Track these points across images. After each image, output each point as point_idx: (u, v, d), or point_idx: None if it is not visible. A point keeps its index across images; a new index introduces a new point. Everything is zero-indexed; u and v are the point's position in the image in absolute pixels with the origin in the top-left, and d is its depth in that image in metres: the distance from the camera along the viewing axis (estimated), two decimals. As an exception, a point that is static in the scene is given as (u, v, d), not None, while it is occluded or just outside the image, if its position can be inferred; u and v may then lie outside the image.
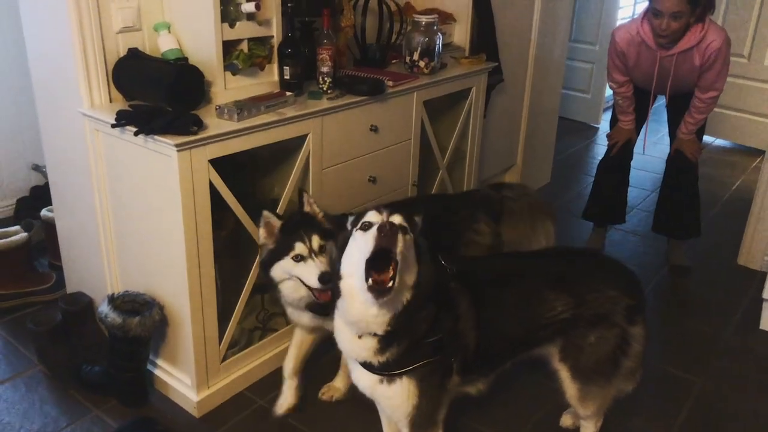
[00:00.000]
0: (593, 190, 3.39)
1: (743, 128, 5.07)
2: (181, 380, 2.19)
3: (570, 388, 1.84)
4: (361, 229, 1.44)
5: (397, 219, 1.45)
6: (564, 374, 1.83)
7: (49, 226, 2.72)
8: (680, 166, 3.09)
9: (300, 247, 1.82)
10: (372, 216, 1.46)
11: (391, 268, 1.38)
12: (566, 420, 2.20)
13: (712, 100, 2.89)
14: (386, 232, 1.37)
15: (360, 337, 1.51)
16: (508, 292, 1.74)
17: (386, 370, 1.55)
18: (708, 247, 3.47)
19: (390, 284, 1.38)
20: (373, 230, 1.38)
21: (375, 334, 1.49)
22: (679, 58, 2.79)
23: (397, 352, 1.52)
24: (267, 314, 2.47)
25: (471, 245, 2.29)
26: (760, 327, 2.80)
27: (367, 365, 1.56)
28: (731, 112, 5.04)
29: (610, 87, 3.11)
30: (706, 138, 5.16)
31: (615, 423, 2.13)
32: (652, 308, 2.95)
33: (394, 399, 1.58)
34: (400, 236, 1.40)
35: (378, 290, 1.39)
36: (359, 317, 1.47)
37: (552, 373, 1.86)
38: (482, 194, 2.54)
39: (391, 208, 1.49)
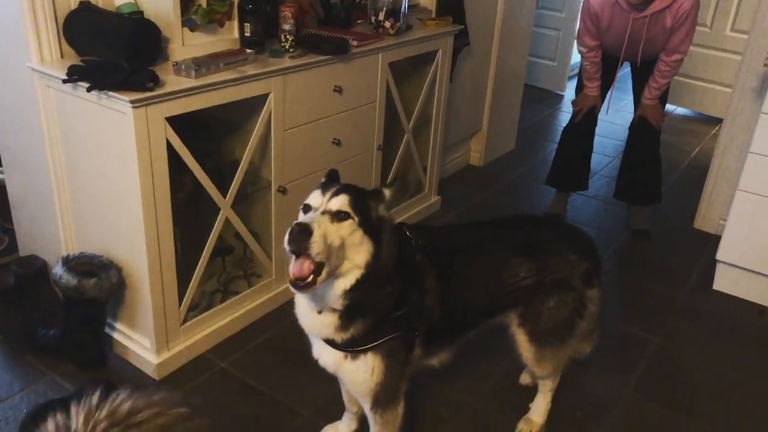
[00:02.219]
0: (556, 156, 3.42)
1: (703, 97, 5.16)
2: (141, 343, 2.16)
3: (526, 351, 1.86)
4: (303, 209, 1.42)
5: (335, 204, 1.38)
6: (521, 338, 1.84)
7: (0, 188, 2.62)
8: (643, 133, 3.13)
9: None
10: (313, 198, 1.41)
11: (308, 264, 1.32)
12: (525, 378, 2.24)
13: (677, 64, 2.92)
14: (294, 236, 1.30)
15: (320, 312, 1.47)
16: (473, 263, 1.72)
17: (351, 347, 1.52)
18: (666, 212, 3.55)
19: (309, 280, 1.33)
20: (294, 225, 1.32)
21: (334, 309, 1.45)
22: (651, 19, 2.80)
23: (363, 327, 1.49)
24: (228, 277, 2.45)
25: None
26: (714, 287, 2.89)
27: (329, 342, 1.54)
28: (692, 80, 5.12)
29: (580, 51, 3.11)
30: (668, 106, 5.23)
31: (572, 379, 2.18)
32: (612, 271, 3.02)
33: (358, 375, 1.56)
34: (318, 232, 1.31)
35: (297, 285, 1.34)
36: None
37: (508, 336, 1.88)
38: None
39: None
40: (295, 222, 1.33)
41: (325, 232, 1.33)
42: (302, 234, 1.30)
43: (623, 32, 2.89)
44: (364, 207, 1.42)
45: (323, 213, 1.37)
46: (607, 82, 3.16)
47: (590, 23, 2.95)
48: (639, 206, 3.37)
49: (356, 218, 1.39)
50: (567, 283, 1.79)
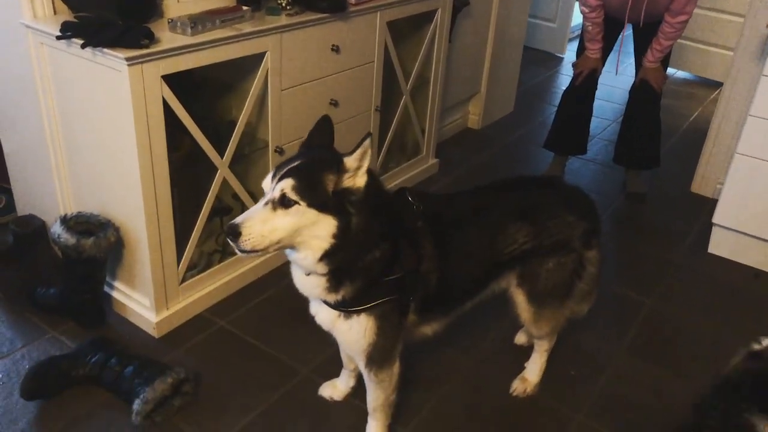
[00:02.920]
0: (556, 120, 3.40)
1: (704, 60, 5.11)
2: (140, 302, 2.18)
3: (525, 311, 1.87)
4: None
5: (278, 191, 1.36)
6: (519, 299, 1.85)
7: (-4, 148, 2.61)
8: (644, 96, 3.11)
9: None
10: (265, 182, 1.41)
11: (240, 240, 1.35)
12: (521, 338, 2.28)
13: (681, 25, 2.88)
14: (228, 237, 1.37)
15: (308, 274, 1.49)
16: (472, 230, 1.72)
17: (343, 307, 1.54)
18: (664, 176, 3.55)
19: (246, 248, 1.36)
20: (227, 226, 1.37)
21: (320, 273, 1.47)
22: None
23: (352, 290, 1.50)
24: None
25: None
26: (709, 250, 2.91)
27: (324, 301, 1.56)
28: (693, 43, 5.06)
29: (582, 12, 3.06)
30: (668, 70, 5.19)
31: (568, 340, 2.21)
32: (609, 233, 3.03)
33: (351, 334, 1.58)
34: (250, 230, 1.34)
35: (238, 250, 1.38)
36: (289, 255, 1.47)
37: (507, 296, 1.89)
38: None
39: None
40: (229, 223, 1.37)
41: (261, 227, 1.35)
42: (231, 235, 1.36)
43: None
44: (316, 185, 1.37)
45: (266, 203, 1.37)
46: (608, 44, 3.13)
47: None
48: (637, 170, 3.36)
49: (303, 202, 1.36)
50: (566, 244, 1.79)
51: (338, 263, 1.44)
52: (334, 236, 1.39)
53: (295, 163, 1.40)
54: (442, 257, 1.62)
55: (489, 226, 1.74)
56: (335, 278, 1.48)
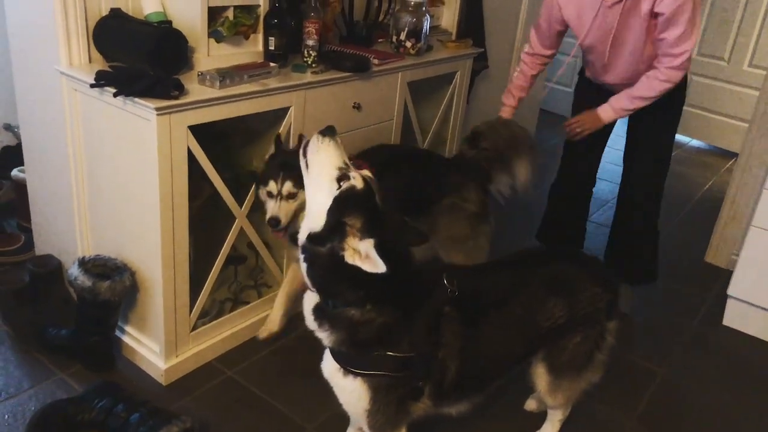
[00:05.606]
0: (546, 216, 3.01)
1: (718, 130, 5.16)
2: (150, 347, 2.17)
3: (543, 381, 1.85)
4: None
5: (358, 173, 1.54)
6: (539, 370, 1.84)
7: (20, 187, 2.66)
8: (636, 204, 2.67)
9: (271, 186, 2.04)
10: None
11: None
12: (531, 404, 2.23)
13: (672, 71, 2.28)
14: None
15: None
16: (507, 311, 1.69)
17: (339, 361, 1.55)
18: (677, 244, 3.54)
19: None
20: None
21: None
22: (627, 5, 2.25)
23: (335, 340, 1.51)
24: (239, 286, 2.46)
25: (454, 209, 2.50)
26: (723, 323, 2.87)
27: (332, 351, 1.57)
28: (708, 113, 5.13)
29: (523, 56, 2.82)
30: (682, 138, 5.25)
31: (579, 409, 2.16)
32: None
33: (346, 395, 1.60)
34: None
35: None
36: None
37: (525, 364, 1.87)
38: (473, 165, 2.61)
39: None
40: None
41: (321, 155, 1.59)
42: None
43: (594, 26, 2.44)
44: (350, 201, 1.47)
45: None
46: (600, 143, 2.78)
47: (546, 17, 2.64)
48: (629, 284, 2.79)
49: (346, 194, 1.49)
50: (592, 316, 1.79)
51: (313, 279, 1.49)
52: (311, 227, 1.46)
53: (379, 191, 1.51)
54: (466, 347, 1.60)
55: (524, 306, 1.72)
56: (319, 312, 1.53)
